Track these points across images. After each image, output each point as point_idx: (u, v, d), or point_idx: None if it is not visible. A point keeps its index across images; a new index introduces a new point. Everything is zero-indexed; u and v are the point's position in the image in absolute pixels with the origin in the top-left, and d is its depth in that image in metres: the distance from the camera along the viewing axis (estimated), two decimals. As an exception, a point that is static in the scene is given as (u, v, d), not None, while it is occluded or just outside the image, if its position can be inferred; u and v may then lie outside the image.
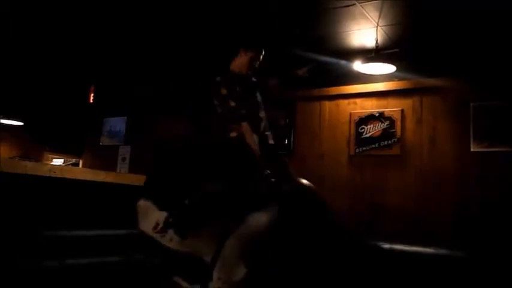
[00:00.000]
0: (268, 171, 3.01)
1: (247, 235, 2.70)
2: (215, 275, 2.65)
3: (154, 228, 2.74)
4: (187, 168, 2.98)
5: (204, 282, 2.71)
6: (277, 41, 4.67)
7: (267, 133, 3.35)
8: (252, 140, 3.16)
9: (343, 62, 5.04)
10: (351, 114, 5.28)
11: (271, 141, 3.38)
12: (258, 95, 3.46)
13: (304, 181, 3.14)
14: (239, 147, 3.15)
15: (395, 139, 4.95)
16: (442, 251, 3.85)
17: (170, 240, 2.73)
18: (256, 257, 2.67)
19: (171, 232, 2.72)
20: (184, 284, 2.81)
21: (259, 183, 2.94)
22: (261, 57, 3.50)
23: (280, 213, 2.78)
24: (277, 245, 2.74)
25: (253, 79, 3.49)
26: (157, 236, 2.76)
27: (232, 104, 3.22)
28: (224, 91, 3.26)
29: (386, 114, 5.06)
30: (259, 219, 2.74)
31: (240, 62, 3.47)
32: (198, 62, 5.46)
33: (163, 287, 2.99)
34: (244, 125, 3.17)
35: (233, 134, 3.22)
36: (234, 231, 2.70)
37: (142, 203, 2.88)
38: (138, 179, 3.84)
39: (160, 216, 2.75)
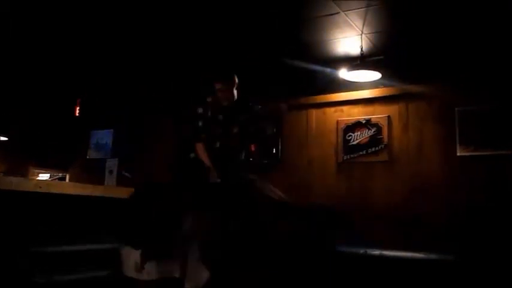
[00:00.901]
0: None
1: (203, 237, 2.80)
2: (186, 285, 2.76)
3: (136, 269, 2.86)
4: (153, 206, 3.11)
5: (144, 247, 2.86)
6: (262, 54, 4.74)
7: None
8: (205, 156, 3.39)
9: (328, 69, 5.07)
10: (338, 121, 5.30)
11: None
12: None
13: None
14: (195, 165, 3.42)
15: (383, 145, 4.98)
16: (432, 256, 3.87)
17: (148, 274, 2.85)
18: (216, 260, 2.76)
19: (148, 266, 2.84)
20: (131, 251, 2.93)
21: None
22: (234, 84, 3.55)
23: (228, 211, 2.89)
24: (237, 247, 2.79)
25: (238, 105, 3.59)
26: (138, 275, 2.87)
27: (200, 123, 3.49)
28: (200, 110, 3.53)
29: (373, 121, 5.09)
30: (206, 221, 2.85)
31: (218, 96, 3.55)
32: (183, 75, 5.48)
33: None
34: (199, 146, 3.44)
35: (192, 155, 3.50)
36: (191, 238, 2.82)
37: (123, 251, 3.02)
38: (126, 192, 3.81)
39: (136, 254, 2.88)
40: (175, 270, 2.81)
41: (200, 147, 3.44)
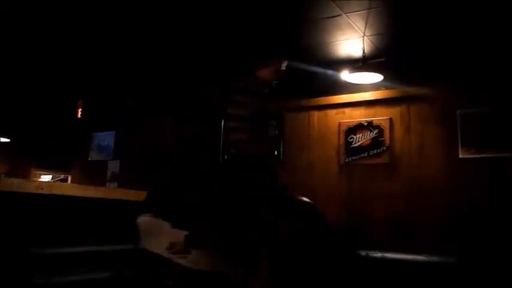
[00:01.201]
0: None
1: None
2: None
3: (171, 248, 2.57)
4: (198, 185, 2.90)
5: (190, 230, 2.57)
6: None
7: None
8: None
9: (330, 71, 5.07)
10: (339, 123, 5.29)
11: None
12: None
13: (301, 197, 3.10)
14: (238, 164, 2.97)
15: (384, 147, 4.97)
16: (434, 258, 3.86)
17: (189, 260, 2.57)
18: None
19: (195, 253, 2.56)
20: (170, 229, 2.66)
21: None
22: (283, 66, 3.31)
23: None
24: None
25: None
26: (174, 257, 2.58)
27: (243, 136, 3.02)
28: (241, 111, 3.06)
29: (374, 123, 5.08)
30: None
31: (262, 75, 3.25)
32: (187, 75, 5.47)
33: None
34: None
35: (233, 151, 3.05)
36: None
37: (146, 220, 2.73)
38: (127, 194, 3.81)
39: (175, 235, 2.60)
40: (232, 269, 2.57)
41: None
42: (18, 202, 3.01)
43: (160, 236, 2.65)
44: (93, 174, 6.90)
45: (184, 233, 2.59)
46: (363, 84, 4.86)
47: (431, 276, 3.76)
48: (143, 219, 2.76)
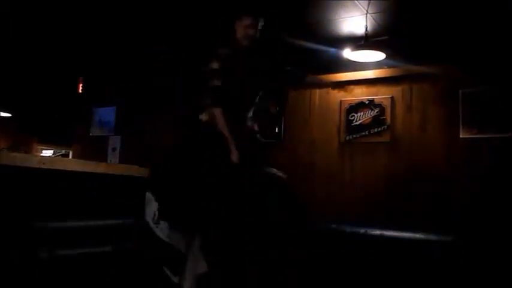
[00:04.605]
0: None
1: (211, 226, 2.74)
2: (187, 266, 2.74)
3: (153, 218, 2.83)
4: (182, 164, 3.00)
5: (182, 275, 2.78)
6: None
7: (250, 118, 3.05)
8: (223, 125, 2.87)
9: (332, 49, 5.04)
10: (341, 101, 5.29)
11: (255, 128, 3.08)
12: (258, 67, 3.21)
13: (276, 171, 3.07)
14: (208, 132, 2.95)
15: (386, 126, 4.97)
16: (432, 236, 3.89)
17: (161, 230, 2.81)
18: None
19: (163, 223, 2.78)
20: (170, 274, 2.85)
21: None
22: (259, 24, 3.11)
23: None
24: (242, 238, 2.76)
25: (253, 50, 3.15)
26: (154, 227, 2.84)
27: (216, 83, 2.92)
28: (215, 65, 2.95)
29: (376, 101, 5.07)
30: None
31: (237, 35, 3.08)
32: (187, 50, 5.43)
33: (152, 277, 3.02)
34: (216, 111, 2.90)
35: (204, 117, 3.01)
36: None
37: (147, 195, 2.96)
38: (128, 169, 3.84)
39: (155, 206, 2.84)
40: (182, 245, 2.78)
41: (219, 114, 2.88)
42: (20, 176, 3.04)
43: (149, 208, 2.93)
44: (94, 149, 6.93)
45: (157, 205, 2.84)
46: (365, 63, 4.83)
47: (429, 254, 3.80)
48: (146, 194, 2.98)
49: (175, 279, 2.80)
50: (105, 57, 6.20)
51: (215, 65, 2.96)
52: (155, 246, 2.88)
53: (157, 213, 2.83)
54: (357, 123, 5.15)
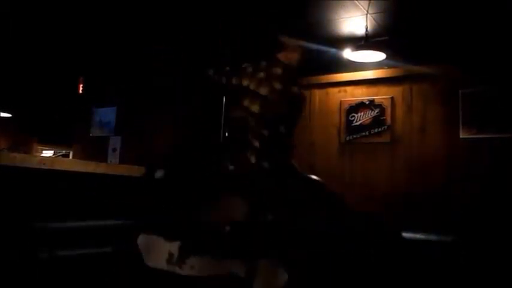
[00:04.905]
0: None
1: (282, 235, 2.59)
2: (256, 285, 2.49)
3: (169, 260, 2.56)
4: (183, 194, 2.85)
5: (183, 239, 2.57)
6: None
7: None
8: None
9: (332, 49, 5.04)
10: (341, 102, 5.29)
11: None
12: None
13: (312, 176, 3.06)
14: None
15: (386, 127, 4.97)
16: (432, 237, 3.89)
17: (191, 268, 2.53)
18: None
19: (190, 260, 2.52)
20: (165, 242, 2.64)
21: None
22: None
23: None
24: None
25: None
26: (173, 268, 2.56)
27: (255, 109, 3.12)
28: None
29: (376, 102, 5.07)
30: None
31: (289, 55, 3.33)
32: (187, 50, 5.43)
33: (152, 277, 2.99)
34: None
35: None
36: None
37: (142, 239, 2.74)
38: (129, 170, 3.84)
39: (171, 246, 2.58)
40: (237, 268, 2.49)
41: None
42: (20, 177, 3.04)
43: (156, 251, 2.67)
44: (95, 149, 6.93)
45: (178, 243, 2.58)
46: (365, 63, 4.83)
47: (429, 255, 3.80)
48: (139, 240, 2.77)
49: None
50: (105, 57, 6.20)
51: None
52: None
53: (177, 252, 2.53)
54: (357, 123, 5.15)
